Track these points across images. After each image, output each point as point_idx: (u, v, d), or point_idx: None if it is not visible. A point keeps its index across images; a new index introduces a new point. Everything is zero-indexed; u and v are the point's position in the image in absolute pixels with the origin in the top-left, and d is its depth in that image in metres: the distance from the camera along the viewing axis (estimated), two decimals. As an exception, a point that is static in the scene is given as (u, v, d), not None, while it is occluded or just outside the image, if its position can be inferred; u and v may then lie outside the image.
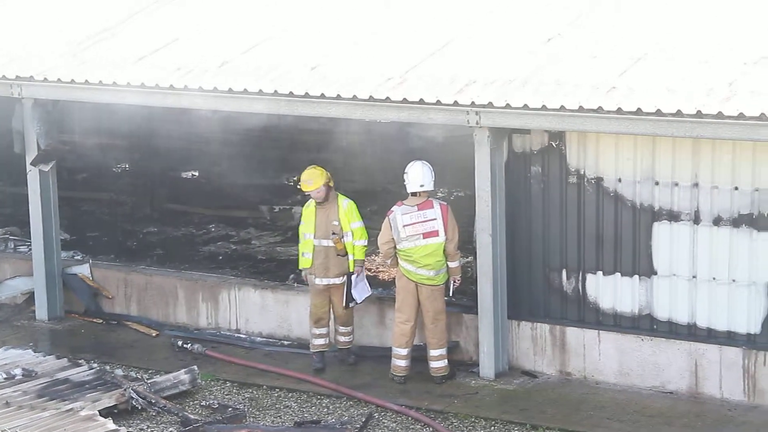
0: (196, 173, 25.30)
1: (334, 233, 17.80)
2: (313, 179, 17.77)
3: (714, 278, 15.54)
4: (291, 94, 17.32)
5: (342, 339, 18.27)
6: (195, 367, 17.60)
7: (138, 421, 15.93)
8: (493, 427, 15.34)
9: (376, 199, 20.40)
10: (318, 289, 17.99)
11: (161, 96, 18.82)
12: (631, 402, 16.05)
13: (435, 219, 16.89)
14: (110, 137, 23.56)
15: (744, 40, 16.98)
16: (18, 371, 17.74)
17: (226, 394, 17.32)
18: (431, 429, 15.42)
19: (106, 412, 15.68)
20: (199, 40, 21.03)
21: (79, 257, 22.15)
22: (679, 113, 14.26)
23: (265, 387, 17.44)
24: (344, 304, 17.94)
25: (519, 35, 18.53)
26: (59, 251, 21.13)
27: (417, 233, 16.78)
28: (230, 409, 16.33)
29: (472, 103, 15.68)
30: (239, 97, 18.01)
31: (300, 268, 18.33)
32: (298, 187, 19.30)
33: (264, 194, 23.75)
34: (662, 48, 16.99)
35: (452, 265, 17.06)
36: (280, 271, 20.64)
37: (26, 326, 20.76)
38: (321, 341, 18.04)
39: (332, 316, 18.32)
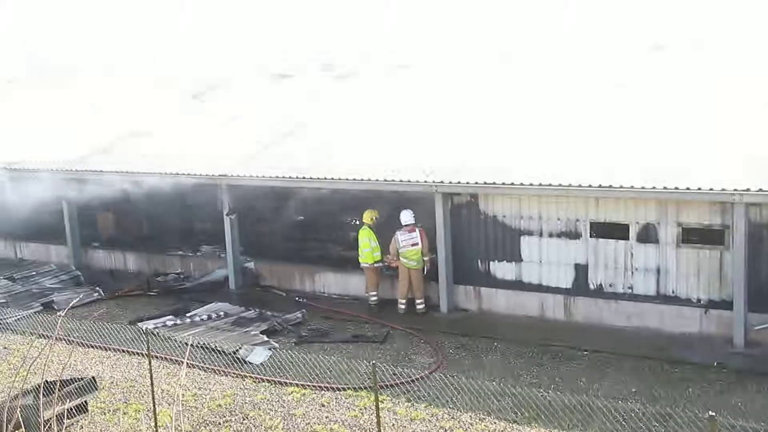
0: (303, 217, 24.88)
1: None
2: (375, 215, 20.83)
3: (550, 261, 18.85)
4: (363, 180, 19.88)
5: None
6: (304, 310, 20.59)
7: (280, 337, 18.74)
8: (445, 336, 18.34)
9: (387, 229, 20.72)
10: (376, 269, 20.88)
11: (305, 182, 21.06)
12: (512, 321, 18.92)
13: (416, 237, 19.82)
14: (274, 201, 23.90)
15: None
16: (221, 312, 20.56)
17: (318, 323, 19.85)
18: (420, 338, 18.33)
19: (262, 332, 18.92)
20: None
21: (249, 259, 23.62)
22: (540, 186, 17.45)
23: (336, 319, 20.11)
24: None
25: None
26: (239, 255, 23.20)
27: (408, 244, 19.81)
28: (321, 329, 19.32)
29: (435, 182, 18.72)
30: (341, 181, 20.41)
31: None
32: (364, 221, 20.88)
33: (339, 230, 24.19)
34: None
35: (425, 259, 19.94)
36: (345, 263, 22.19)
37: (225, 293, 22.65)
38: (374, 295, 20.89)
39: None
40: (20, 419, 6.67)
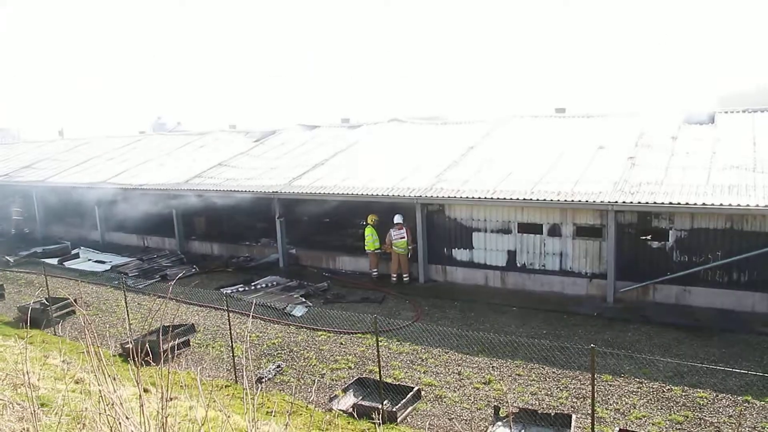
0: (328, 219, 24.86)
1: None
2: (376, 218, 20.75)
3: (492, 249, 18.91)
4: (373, 195, 20.53)
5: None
6: (329, 281, 20.46)
7: (313, 299, 18.63)
8: (422, 298, 18.33)
9: (384, 226, 19.81)
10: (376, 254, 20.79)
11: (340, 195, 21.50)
12: (467, 288, 18.86)
13: (404, 233, 19.73)
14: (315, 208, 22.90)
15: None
16: (274, 282, 20.42)
17: (338, 290, 19.69)
18: (405, 300, 18.41)
19: (301, 295, 18.98)
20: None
21: (292, 247, 23.37)
22: (486, 198, 18.08)
23: (350, 286, 20.11)
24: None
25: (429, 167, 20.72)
26: (285, 244, 22.90)
27: (398, 237, 19.75)
28: (340, 294, 19.25)
29: (415, 196, 19.05)
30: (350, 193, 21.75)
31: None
32: (368, 222, 20.68)
33: (352, 228, 23.39)
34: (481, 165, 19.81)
35: (410, 247, 19.77)
36: (356, 250, 21.53)
37: (276, 270, 22.19)
38: (375, 271, 20.90)
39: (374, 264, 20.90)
40: (148, 349, 6.96)
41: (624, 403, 11.10)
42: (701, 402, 10.93)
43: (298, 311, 17.58)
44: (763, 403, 10.74)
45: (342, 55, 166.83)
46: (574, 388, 11.83)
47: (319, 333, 15.77)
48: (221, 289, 19.58)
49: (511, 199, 17.60)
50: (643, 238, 16.82)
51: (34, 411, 6.75)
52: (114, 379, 6.22)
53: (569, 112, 27.51)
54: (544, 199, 17.09)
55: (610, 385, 11.76)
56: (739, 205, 14.77)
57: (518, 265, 18.73)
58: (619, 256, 16.82)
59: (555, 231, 17.98)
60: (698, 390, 11.34)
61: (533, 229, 18.35)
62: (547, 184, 17.90)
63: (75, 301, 17.97)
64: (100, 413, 6.48)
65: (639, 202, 15.79)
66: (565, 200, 16.79)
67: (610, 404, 11.09)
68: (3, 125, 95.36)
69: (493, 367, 13.03)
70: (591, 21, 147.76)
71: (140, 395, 6.00)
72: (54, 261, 26.19)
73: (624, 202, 15.93)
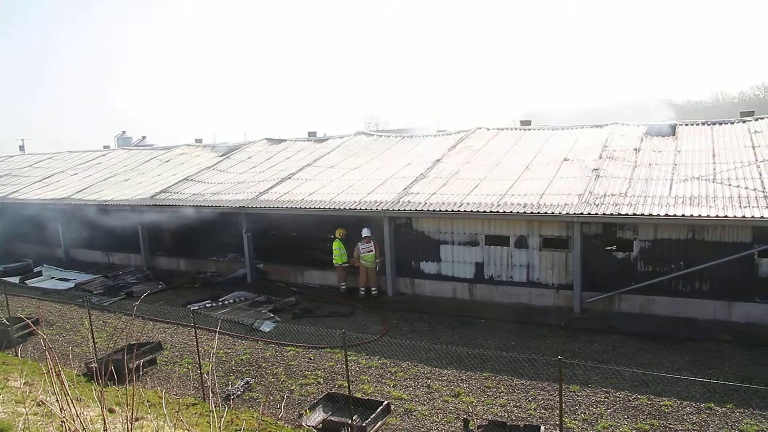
0: (295, 233, 23.78)
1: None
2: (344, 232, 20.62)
3: (459, 261, 18.92)
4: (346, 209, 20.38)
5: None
6: (297, 296, 20.27)
7: (281, 314, 18.46)
8: (391, 311, 18.34)
9: (352, 239, 19.96)
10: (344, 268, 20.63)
11: (314, 209, 21.12)
12: (435, 301, 18.87)
13: (371, 246, 19.76)
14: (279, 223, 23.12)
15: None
16: (241, 298, 20.16)
17: (306, 304, 19.41)
18: (374, 313, 18.33)
19: (269, 311, 18.76)
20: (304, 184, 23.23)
21: (259, 262, 23.12)
22: (452, 211, 18.09)
23: (318, 300, 19.84)
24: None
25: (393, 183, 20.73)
26: (253, 259, 22.76)
27: (365, 251, 19.74)
28: (308, 308, 18.98)
29: (383, 209, 18.92)
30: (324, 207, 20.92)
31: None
32: (336, 235, 20.73)
33: (319, 241, 22.20)
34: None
35: (377, 260, 19.79)
36: (324, 264, 21.20)
37: (244, 285, 21.67)
38: (343, 285, 20.77)
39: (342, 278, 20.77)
40: (113, 368, 6.86)
41: (591, 413, 11.18)
42: (666, 410, 11.04)
43: (267, 326, 17.41)
44: (724, 409, 10.90)
45: (307, 66, 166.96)
46: (543, 399, 11.87)
47: (288, 348, 15.64)
48: (188, 306, 19.35)
49: (477, 211, 17.68)
50: (608, 248, 17.00)
51: (-7, 438, 6.61)
52: (78, 400, 6.13)
53: (535, 123, 28.19)
54: (511, 212, 17.21)
55: (578, 396, 11.83)
56: (700, 215, 15.07)
57: (486, 277, 18.77)
58: (585, 267, 17.00)
59: (522, 243, 18.08)
60: (663, 398, 11.46)
61: (500, 241, 18.44)
62: (514, 197, 18.06)
63: (36, 321, 17.62)
64: (63, 436, 6.38)
65: (604, 214, 15.99)
66: (532, 212, 16.94)
67: (578, 414, 11.15)
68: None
69: (462, 379, 13.02)
70: (555, 31, 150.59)
71: (104, 418, 5.91)
72: (15, 279, 25.65)
73: (589, 214, 16.13)
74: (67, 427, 5.85)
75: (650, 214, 15.52)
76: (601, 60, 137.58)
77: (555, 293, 17.72)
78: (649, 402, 11.40)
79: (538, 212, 16.87)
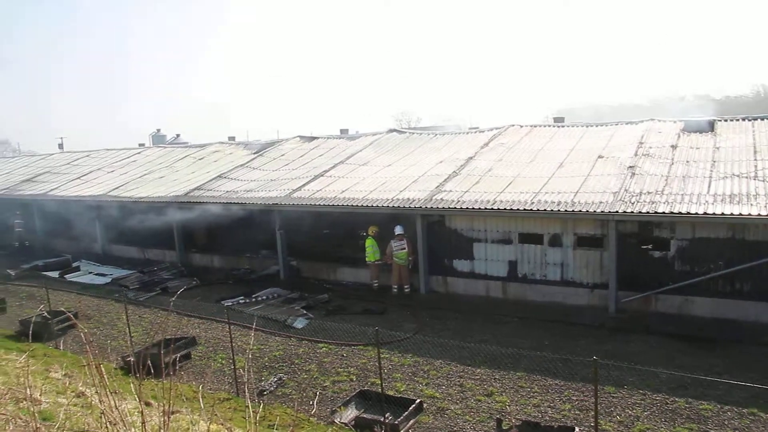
0: (328, 231, 24.20)
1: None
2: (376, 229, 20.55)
3: (493, 259, 18.84)
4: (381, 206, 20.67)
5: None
6: (330, 293, 20.32)
7: (314, 310, 18.55)
8: (423, 309, 18.21)
9: (385, 237, 20.03)
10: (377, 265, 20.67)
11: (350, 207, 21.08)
12: (468, 299, 18.78)
13: (404, 244, 19.71)
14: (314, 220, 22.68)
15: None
16: (275, 294, 20.23)
17: (339, 302, 19.49)
18: (406, 311, 18.30)
19: (302, 307, 18.87)
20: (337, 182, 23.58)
21: (293, 259, 23.17)
22: (485, 209, 18.03)
23: (351, 297, 19.84)
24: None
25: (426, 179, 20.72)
26: (286, 256, 22.80)
27: (398, 249, 19.73)
28: (341, 305, 19.02)
29: (415, 207, 18.98)
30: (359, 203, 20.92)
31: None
32: (369, 233, 20.66)
33: (352, 239, 22.71)
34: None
35: (410, 258, 19.72)
36: (357, 261, 21.40)
37: (277, 281, 21.99)
38: (376, 282, 20.80)
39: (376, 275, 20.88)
40: (150, 362, 6.94)
41: (627, 415, 11.00)
42: (706, 414, 10.81)
43: (299, 323, 17.50)
44: (768, 414, 10.63)
45: (340, 63, 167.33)
46: (577, 400, 11.72)
47: (321, 345, 15.67)
48: (222, 302, 19.47)
49: (511, 209, 17.52)
50: (645, 247, 16.74)
51: (36, 426, 6.71)
52: (115, 393, 6.18)
53: (568, 120, 27.81)
54: (545, 210, 17.01)
55: (613, 397, 11.65)
56: (740, 214, 14.71)
57: (519, 275, 18.63)
58: (620, 266, 16.72)
59: (556, 241, 17.90)
60: (702, 402, 11.21)
61: (534, 239, 18.27)
62: (548, 195, 17.86)
63: (75, 315, 17.95)
64: (102, 429, 6.45)
65: (640, 212, 15.71)
66: (566, 210, 16.71)
67: (614, 416, 10.98)
68: (3, 138, 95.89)
69: (495, 378, 12.92)
70: (588, 25, 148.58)
71: (142, 411, 5.96)
72: (55, 274, 26.20)
73: (625, 212, 15.85)
74: (106, 419, 5.95)
75: (688, 213, 15.21)
76: (636, 54, 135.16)
77: (589, 292, 17.49)
78: (687, 405, 11.17)
79: (573, 210, 16.63)
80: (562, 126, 25.83)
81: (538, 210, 17.12)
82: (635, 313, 16.44)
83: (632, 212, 15.82)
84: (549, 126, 26.34)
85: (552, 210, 16.92)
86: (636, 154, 19.66)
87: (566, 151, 21.61)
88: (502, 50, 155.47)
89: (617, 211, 15.95)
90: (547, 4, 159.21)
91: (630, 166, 18.61)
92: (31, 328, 14.70)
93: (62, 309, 18.46)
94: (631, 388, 11.93)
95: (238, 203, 23.44)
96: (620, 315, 16.52)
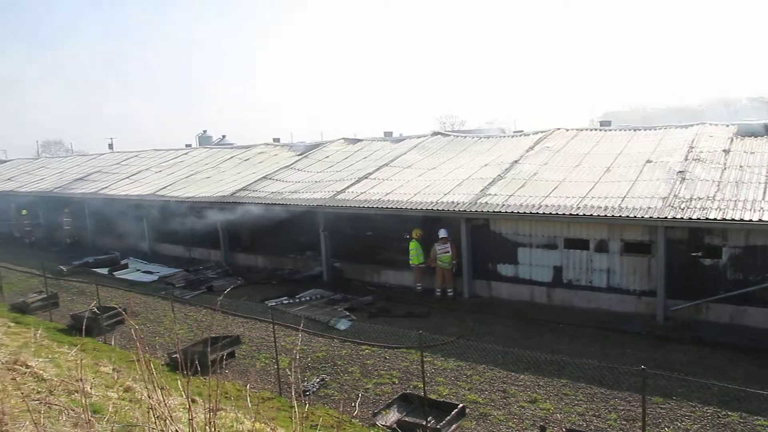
0: (371, 233, 22.53)
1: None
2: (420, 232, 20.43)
3: (537, 264, 18.64)
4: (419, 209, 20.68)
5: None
6: (373, 295, 20.46)
7: (357, 312, 18.58)
8: (467, 313, 18.16)
9: (429, 240, 19.76)
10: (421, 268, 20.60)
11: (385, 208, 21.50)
12: (512, 304, 18.62)
13: (448, 247, 19.60)
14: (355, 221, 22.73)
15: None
16: (318, 295, 20.44)
17: (382, 304, 19.49)
18: (450, 315, 18.30)
19: (345, 309, 18.98)
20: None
21: (336, 260, 23.26)
22: (530, 213, 17.87)
23: (394, 300, 19.87)
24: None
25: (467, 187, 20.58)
26: (330, 257, 23.12)
27: (442, 252, 19.62)
28: (384, 308, 19.07)
29: (460, 210, 18.85)
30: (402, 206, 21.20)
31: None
32: (413, 236, 20.55)
33: (396, 241, 21.98)
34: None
35: (454, 262, 19.61)
36: (400, 264, 21.24)
37: (320, 282, 22.02)
38: (419, 285, 20.67)
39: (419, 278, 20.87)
40: (195, 359, 7.04)
41: (676, 427, 10.73)
42: (761, 430, 10.48)
43: (342, 325, 17.56)
44: (826, 430, 10.25)
45: (382, 66, 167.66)
46: (623, 409, 11.48)
47: (363, 347, 15.69)
48: (266, 302, 19.64)
49: (556, 214, 17.29)
50: (695, 254, 16.32)
51: (89, 418, 6.88)
52: (163, 389, 6.28)
53: (614, 124, 27.39)
54: (591, 215, 16.75)
55: (661, 408, 11.39)
56: (798, 221, 14.23)
57: (564, 281, 18.40)
58: (669, 273, 16.35)
59: (602, 247, 17.64)
60: (758, 417, 10.83)
61: (580, 244, 18.03)
62: (594, 199, 17.60)
63: (124, 311, 18.35)
64: (150, 423, 6.59)
65: (690, 218, 15.32)
66: (613, 216, 16.42)
67: (661, 428, 10.73)
68: (56, 138, 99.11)
69: (539, 385, 12.77)
70: (635, 27, 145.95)
71: (189, 407, 6.05)
72: (104, 271, 26.81)
73: (674, 218, 15.49)
74: (155, 413, 6.06)
75: (741, 220, 14.76)
76: (685, 56, 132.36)
77: (636, 299, 17.16)
78: (741, 420, 10.83)
79: (620, 216, 16.32)
80: (609, 130, 25.51)
81: (584, 215, 16.86)
82: (684, 321, 16.08)
83: (682, 218, 15.44)
84: (595, 129, 26.04)
85: (599, 215, 16.64)
86: (686, 159, 19.23)
87: (613, 156, 21.24)
88: (547, 53, 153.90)
89: (666, 217, 15.61)
90: (594, 6, 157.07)
91: (680, 171, 18.22)
92: (83, 323, 15.00)
93: (114, 305, 19.06)
94: (681, 400, 11.64)
95: (282, 204, 23.63)
96: (668, 323, 16.17)
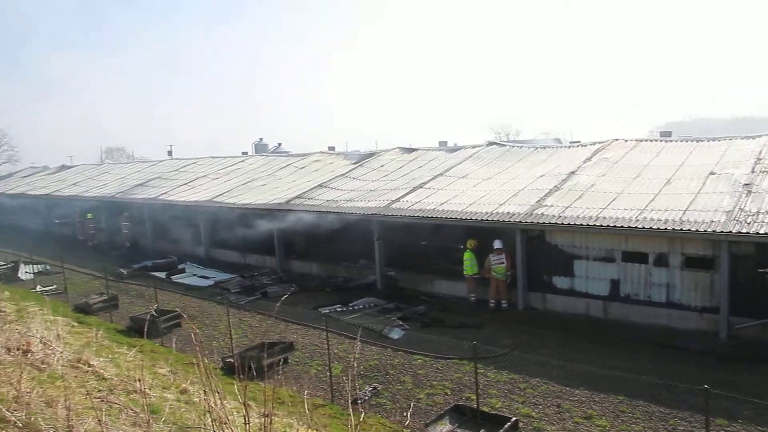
0: (425, 242, 23.49)
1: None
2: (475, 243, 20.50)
3: (594, 277, 18.31)
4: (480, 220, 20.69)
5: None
6: (426, 304, 20.31)
7: (410, 322, 18.54)
8: (521, 326, 17.96)
9: (483, 250, 19.88)
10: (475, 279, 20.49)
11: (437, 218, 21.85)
12: (567, 317, 18.36)
13: (503, 258, 19.50)
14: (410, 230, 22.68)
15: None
16: (371, 304, 20.47)
17: (436, 314, 19.37)
18: (503, 327, 18.19)
19: (398, 318, 18.90)
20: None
21: (390, 269, 23.24)
22: (587, 225, 17.62)
23: (447, 310, 19.69)
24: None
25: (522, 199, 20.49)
26: (383, 266, 22.99)
27: (497, 263, 19.55)
28: (437, 318, 18.95)
29: (515, 221, 18.73)
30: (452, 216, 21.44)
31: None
32: (467, 246, 20.51)
33: (449, 251, 22.26)
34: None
35: (508, 273, 19.48)
36: (454, 274, 21.20)
37: (374, 291, 22.04)
38: (473, 296, 20.56)
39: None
40: (251, 364, 7.13)
41: (741, 449, 10.37)
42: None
43: (395, 334, 17.55)
44: None
45: (435, 75, 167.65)
46: (684, 430, 11.14)
47: (416, 357, 15.63)
48: (319, 309, 19.81)
49: (614, 226, 16.96)
50: (762, 271, 15.76)
51: (148, 418, 7.05)
52: (218, 392, 6.39)
53: (675, 135, 26.75)
54: (651, 228, 16.35)
55: (726, 431, 10.99)
56: None
57: (621, 295, 17.98)
58: (733, 289, 15.81)
59: (662, 261, 17.18)
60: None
61: (638, 258, 17.61)
62: (654, 212, 17.20)
63: (180, 315, 18.75)
64: (206, 426, 6.70)
65: (757, 233, 14.76)
66: (674, 229, 15.99)
67: (725, 450, 10.38)
68: (119, 145, 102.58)
69: (594, 401, 12.51)
70: (697, 36, 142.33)
71: (246, 412, 6.14)
72: (162, 274, 27.44)
73: (740, 233, 14.97)
74: (212, 416, 6.17)
75: (813, 236, 14.21)
76: (751, 66, 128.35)
77: (698, 316, 16.65)
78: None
79: (681, 229, 15.88)
80: (670, 140, 24.99)
81: (643, 228, 16.47)
82: (750, 340, 15.50)
83: (748, 233, 14.90)
84: (655, 140, 25.54)
85: (659, 228, 16.24)
86: (753, 171, 18.67)
87: (674, 167, 20.77)
88: (604, 62, 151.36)
89: (731, 231, 15.10)
90: (653, 16, 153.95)
91: (746, 184, 17.66)
92: (146, 326, 15.26)
93: (176, 309, 19.50)
94: (747, 423, 11.19)
95: (337, 212, 23.78)
96: (732, 342, 15.63)
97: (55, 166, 60.33)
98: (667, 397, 12.12)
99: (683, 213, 16.72)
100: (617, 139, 25.53)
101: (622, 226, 16.86)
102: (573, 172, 22.22)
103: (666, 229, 16.15)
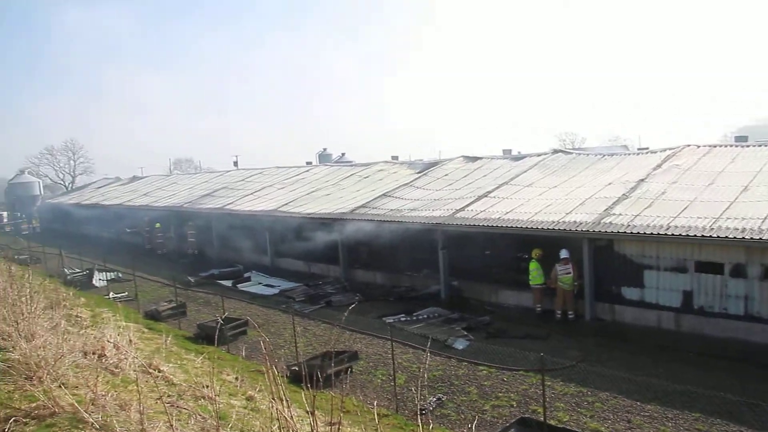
0: (489, 252, 22.51)
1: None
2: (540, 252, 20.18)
3: (665, 288, 17.74)
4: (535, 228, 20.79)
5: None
6: (491, 315, 20.19)
7: (474, 332, 18.33)
8: (588, 337, 17.64)
9: (549, 260, 19.60)
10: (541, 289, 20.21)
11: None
12: (636, 329, 17.83)
13: (569, 268, 19.17)
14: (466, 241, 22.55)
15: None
16: (435, 314, 20.38)
17: (501, 324, 19.17)
18: (571, 338, 17.81)
19: (462, 328, 18.83)
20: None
21: (454, 279, 23.02)
22: (658, 234, 17.20)
23: (513, 321, 19.47)
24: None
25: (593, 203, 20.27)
26: (448, 275, 22.85)
27: (563, 273, 19.19)
28: (502, 329, 18.79)
29: (582, 231, 18.47)
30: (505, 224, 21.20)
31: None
32: (533, 256, 20.23)
33: (514, 261, 21.54)
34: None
35: (575, 283, 19.14)
36: (519, 284, 20.86)
37: (437, 301, 21.88)
38: (539, 307, 20.23)
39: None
40: (315, 372, 7.19)
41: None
42: None
43: (460, 344, 17.42)
44: None
45: (497, 83, 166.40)
46: (767, 451, 10.66)
47: (481, 368, 15.48)
48: (383, 318, 19.84)
49: (687, 235, 16.40)
50: None
51: (217, 425, 7.17)
52: (283, 400, 6.46)
53: (752, 139, 25.74)
54: (726, 237, 15.72)
55: (814, 453, 10.46)
56: None
57: (695, 307, 17.35)
58: (818, 302, 15.11)
59: (738, 271, 16.49)
60: None
61: (712, 268, 16.96)
62: (729, 220, 16.55)
63: (246, 323, 19.11)
64: (273, 432, 6.77)
65: None
66: (752, 238, 15.31)
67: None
68: (187, 156, 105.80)
69: (667, 417, 12.07)
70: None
71: (314, 421, 6.18)
72: (228, 283, 28.03)
73: (825, 243, 14.31)
74: (279, 424, 6.24)
75: None
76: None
77: (780, 331, 15.94)
78: None
79: (760, 238, 15.20)
80: (746, 146, 23.94)
81: (718, 237, 15.87)
82: (836, 357, 14.69)
83: (834, 243, 14.22)
84: (730, 146, 24.52)
85: (735, 237, 15.60)
86: (840, 178, 17.80)
87: (751, 174, 19.94)
88: (673, 66, 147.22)
89: (817, 242, 14.43)
90: (723, 16, 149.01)
91: (831, 191, 16.87)
92: (216, 333, 15.57)
93: (243, 317, 19.89)
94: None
95: (401, 222, 23.82)
96: (818, 359, 14.84)
97: (126, 177, 62.63)
98: (748, 417, 11.54)
99: (762, 221, 16.03)
100: (689, 145, 24.72)
101: (695, 236, 16.30)
102: (642, 180, 21.62)
103: (744, 238, 15.50)
